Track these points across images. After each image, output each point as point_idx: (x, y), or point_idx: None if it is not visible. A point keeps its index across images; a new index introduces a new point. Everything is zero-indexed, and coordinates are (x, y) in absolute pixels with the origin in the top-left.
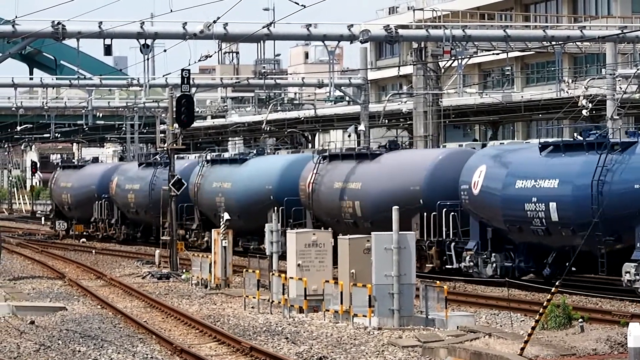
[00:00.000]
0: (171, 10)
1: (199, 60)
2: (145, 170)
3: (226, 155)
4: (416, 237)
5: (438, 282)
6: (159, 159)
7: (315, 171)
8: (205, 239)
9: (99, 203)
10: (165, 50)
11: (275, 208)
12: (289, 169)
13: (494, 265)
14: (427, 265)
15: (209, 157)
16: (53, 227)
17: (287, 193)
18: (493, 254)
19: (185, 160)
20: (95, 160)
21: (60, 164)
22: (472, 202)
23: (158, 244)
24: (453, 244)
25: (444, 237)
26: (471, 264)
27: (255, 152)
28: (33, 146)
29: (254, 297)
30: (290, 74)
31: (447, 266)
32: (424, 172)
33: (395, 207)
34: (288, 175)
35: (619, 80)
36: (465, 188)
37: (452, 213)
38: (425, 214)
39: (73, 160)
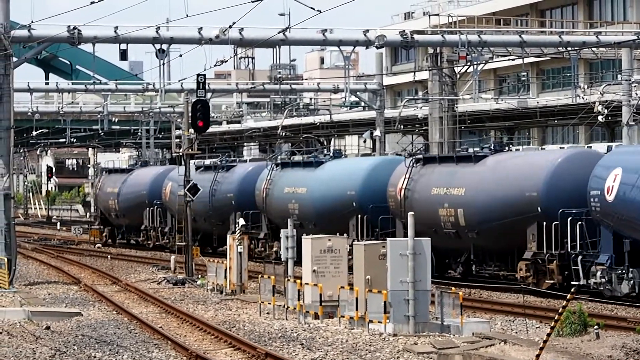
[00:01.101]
0: (187, 15)
1: (215, 65)
2: (205, 175)
3: (298, 158)
4: (532, 250)
5: (453, 288)
6: (219, 162)
7: (407, 175)
8: (275, 249)
9: (150, 210)
10: (180, 55)
11: (359, 216)
12: (375, 173)
13: (632, 282)
14: (546, 281)
15: (279, 160)
16: (100, 235)
17: (372, 199)
18: (631, 269)
19: (250, 164)
20: (144, 164)
21: (105, 168)
22: (605, 210)
23: (218, 254)
24: (580, 257)
25: (568, 249)
26: (603, 280)
27: (331, 154)
28: (49, 151)
29: (270, 303)
30: (306, 79)
31: (571, 282)
32: (541, 176)
33: (410, 213)
34: (373, 179)
35: (635, 86)
36: (596, 194)
37: (579, 222)
38: (544, 223)
39: (120, 165)
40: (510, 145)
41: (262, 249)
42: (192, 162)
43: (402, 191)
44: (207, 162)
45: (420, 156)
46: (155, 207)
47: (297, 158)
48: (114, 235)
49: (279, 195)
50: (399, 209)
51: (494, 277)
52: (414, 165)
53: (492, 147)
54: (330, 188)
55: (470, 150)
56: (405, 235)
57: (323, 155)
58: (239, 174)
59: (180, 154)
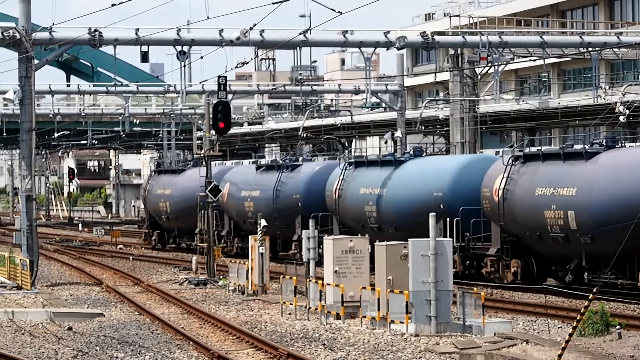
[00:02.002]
0: (208, 17)
1: (236, 67)
2: (267, 175)
3: (374, 156)
4: None
5: (475, 288)
6: (281, 161)
7: (506, 175)
8: None
9: (205, 212)
10: (201, 57)
11: (447, 220)
12: (465, 172)
13: None
14: None
15: (352, 159)
16: (147, 239)
17: (462, 201)
18: None
19: (317, 163)
20: (197, 163)
21: (155, 168)
22: None
23: (280, 259)
24: None
25: None
26: None
27: (412, 152)
28: (70, 153)
29: (291, 304)
30: (327, 80)
31: None
32: None
33: (432, 214)
34: (463, 179)
35: None
36: None
37: None
38: None
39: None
40: (623, 141)
41: None
42: (247, 161)
43: (500, 192)
44: (266, 161)
45: (520, 154)
46: (212, 209)
47: (374, 156)
48: (164, 239)
49: (354, 197)
50: (496, 211)
51: (611, 286)
52: (513, 163)
53: (602, 143)
54: (413, 189)
55: (580, 146)
56: (503, 241)
57: (402, 154)
58: (306, 174)
59: (202, 155)
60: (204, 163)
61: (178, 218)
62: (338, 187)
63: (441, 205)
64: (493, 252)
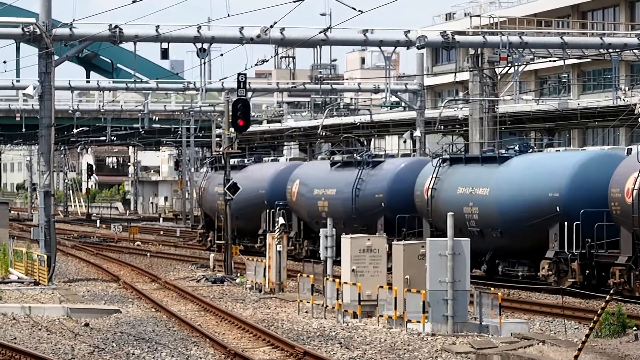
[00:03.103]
0: (228, 15)
1: (256, 65)
2: (344, 172)
3: (475, 152)
4: None
5: (492, 288)
6: (361, 157)
7: None
8: None
9: (269, 212)
10: (222, 55)
11: (565, 223)
12: (586, 170)
13: None
14: None
15: (446, 155)
16: (202, 241)
17: (584, 203)
18: None
19: (402, 159)
20: (258, 159)
21: (211, 164)
22: None
23: None
24: None
25: None
26: None
27: (517, 147)
28: (89, 149)
29: (308, 302)
30: (347, 79)
31: None
32: None
33: (450, 213)
34: (584, 178)
35: None
36: None
37: None
38: None
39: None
40: None
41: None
42: (318, 158)
43: (634, 192)
44: (342, 156)
45: None
46: (278, 208)
47: (474, 152)
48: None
49: (450, 197)
50: (630, 215)
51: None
52: None
53: None
54: (522, 189)
55: None
56: (637, 249)
57: (506, 149)
58: (390, 171)
59: (221, 152)
60: (269, 159)
61: (239, 218)
62: (430, 187)
63: (557, 208)
64: (623, 261)
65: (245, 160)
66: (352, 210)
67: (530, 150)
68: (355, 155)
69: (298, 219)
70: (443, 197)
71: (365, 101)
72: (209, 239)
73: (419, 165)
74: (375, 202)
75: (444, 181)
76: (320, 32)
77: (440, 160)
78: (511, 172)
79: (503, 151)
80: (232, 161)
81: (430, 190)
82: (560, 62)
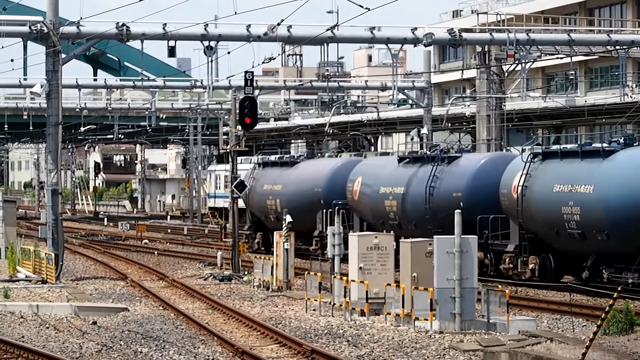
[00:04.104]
0: (235, 13)
1: (263, 63)
2: (414, 169)
3: (573, 145)
4: None
5: (500, 286)
6: (434, 152)
7: None
8: (531, 265)
9: (326, 212)
10: (229, 52)
11: None
12: None
13: None
14: None
15: (537, 150)
16: (249, 242)
17: None
18: None
19: (481, 154)
20: (311, 155)
21: (259, 161)
22: None
23: None
24: None
25: None
26: None
27: (622, 139)
28: (96, 147)
29: (316, 300)
30: (354, 76)
31: None
32: None
33: (457, 211)
34: None
35: None
36: None
37: None
38: None
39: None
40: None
41: (511, 265)
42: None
43: None
44: (410, 151)
45: None
46: (337, 208)
47: (571, 145)
48: (269, 243)
49: (545, 196)
50: None
51: None
52: None
53: None
54: (631, 187)
55: None
56: None
57: (608, 143)
58: (469, 168)
59: (228, 150)
60: (317, 156)
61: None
62: (521, 184)
63: None
64: None
65: (297, 156)
66: (426, 210)
67: (636, 143)
68: (425, 149)
69: (360, 219)
70: (536, 196)
71: (372, 99)
72: (257, 240)
73: (503, 161)
74: (453, 201)
75: (537, 178)
76: (327, 30)
77: (532, 155)
78: (619, 168)
79: (606, 144)
80: (282, 158)
81: (520, 188)
82: (568, 59)
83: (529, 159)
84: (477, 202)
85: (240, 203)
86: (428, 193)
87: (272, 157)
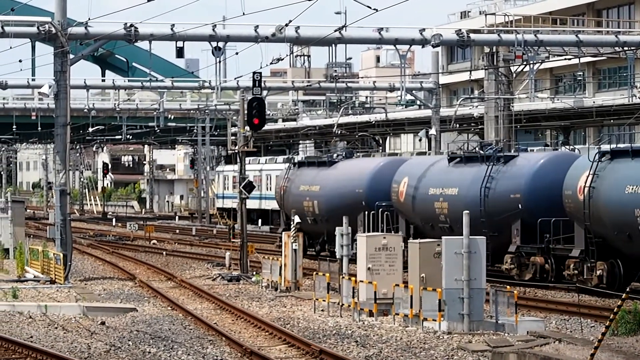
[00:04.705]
0: (243, 13)
1: (271, 63)
2: (466, 168)
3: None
4: None
5: (508, 287)
6: (488, 151)
7: None
8: (599, 272)
9: (369, 214)
10: (237, 53)
11: None
12: None
13: None
14: None
15: (607, 147)
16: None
17: None
18: None
19: (541, 153)
20: (350, 154)
21: (294, 160)
22: None
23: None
24: None
25: None
26: None
27: None
28: (104, 148)
29: (324, 300)
30: (362, 77)
31: None
32: None
33: (465, 212)
34: None
35: None
36: None
37: None
38: None
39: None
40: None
41: (576, 271)
42: (416, 155)
43: None
44: (462, 150)
45: None
46: (380, 210)
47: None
48: (305, 245)
49: (615, 198)
50: None
51: None
52: None
53: None
54: None
55: None
56: None
57: None
58: (528, 167)
59: (236, 151)
60: (340, 158)
61: (329, 220)
62: (587, 185)
63: None
64: None
65: (335, 155)
66: (480, 213)
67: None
68: (478, 148)
69: (406, 222)
70: (605, 197)
71: (380, 99)
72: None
73: (565, 160)
74: (510, 203)
75: (606, 178)
76: (335, 31)
77: (599, 154)
78: None
79: None
80: (319, 157)
81: (587, 189)
82: (576, 60)
83: (596, 157)
84: (538, 204)
85: (274, 205)
86: (483, 194)
87: (309, 157)
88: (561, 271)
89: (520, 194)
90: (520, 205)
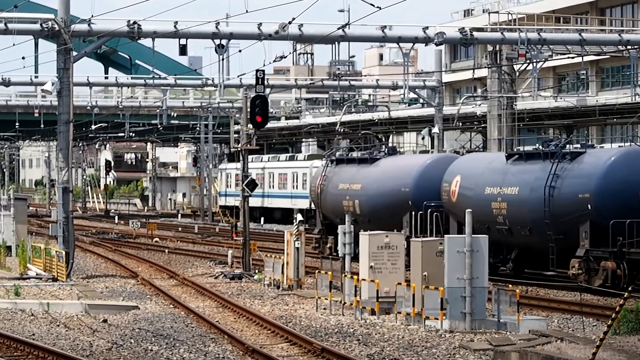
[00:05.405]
0: (246, 11)
1: (274, 61)
2: (527, 166)
3: None
4: None
5: (510, 285)
6: (555, 148)
7: None
8: None
9: (415, 214)
10: (240, 51)
11: None
12: None
13: None
14: None
15: None
16: (319, 247)
17: None
18: None
19: (611, 150)
20: (393, 151)
21: (332, 157)
22: None
23: (552, 281)
24: None
25: None
26: None
27: None
28: (107, 145)
29: (326, 299)
30: (365, 75)
31: None
32: None
33: (468, 210)
34: None
35: None
36: None
37: None
38: None
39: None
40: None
41: None
42: (474, 152)
43: None
44: (520, 147)
45: None
46: (429, 210)
47: None
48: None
49: None
50: None
51: None
52: None
53: None
54: None
55: None
56: None
57: None
58: (598, 165)
59: (239, 149)
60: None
61: (371, 221)
62: None
63: None
64: None
65: (377, 152)
66: (544, 214)
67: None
68: (538, 145)
69: (458, 223)
70: None
71: (383, 98)
72: (328, 245)
73: (639, 157)
74: (578, 203)
75: None
76: (339, 29)
77: None
78: None
79: None
80: (360, 154)
81: None
82: (579, 59)
83: None
84: (609, 205)
85: (307, 204)
86: (547, 194)
87: (349, 154)
88: (634, 277)
89: (590, 194)
90: (589, 206)
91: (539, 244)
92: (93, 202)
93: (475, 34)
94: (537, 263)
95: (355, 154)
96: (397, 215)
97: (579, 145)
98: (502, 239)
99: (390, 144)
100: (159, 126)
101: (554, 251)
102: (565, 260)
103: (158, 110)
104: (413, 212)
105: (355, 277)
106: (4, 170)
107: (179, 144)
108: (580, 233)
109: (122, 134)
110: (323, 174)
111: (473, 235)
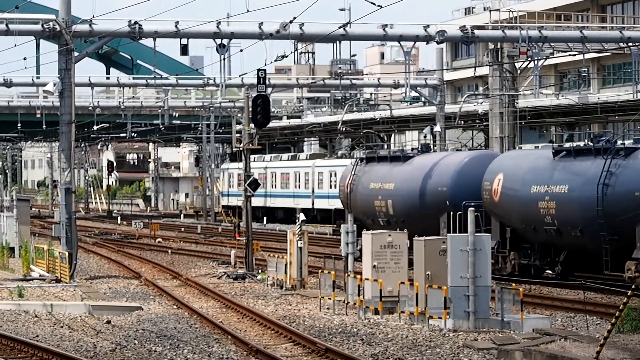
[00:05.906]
0: (247, 10)
1: (275, 60)
2: (577, 163)
3: None
4: None
5: (514, 284)
6: (605, 144)
7: None
8: None
9: (454, 215)
10: (241, 50)
11: None
12: None
13: None
14: None
15: None
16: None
17: None
18: None
19: None
20: (426, 149)
21: (361, 155)
22: None
23: (602, 283)
24: None
25: None
26: None
27: None
28: (109, 145)
29: (330, 298)
30: (366, 74)
31: None
32: None
33: (470, 209)
34: None
35: None
36: None
37: None
38: None
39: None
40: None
41: None
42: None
43: None
44: (570, 142)
45: None
46: (470, 211)
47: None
48: None
49: None
50: None
51: None
52: None
53: None
54: None
55: None
56: None
57: None
58: None
59: (241, 148)
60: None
61: (405, 221)
62: None
63: None
64: None
65: (410, 149)
66: (597, 213)
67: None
68: (588, 141)
69: (501, 224)
70: None
71: (385, 96)
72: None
73: None
74: (635, 202)
75: None
76: (340, 28)
77: None
78: None
79: None
80: (392, 151)
81: None
82: (580, 56)
83: None
84: None
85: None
86: (600, 192)
87: (380, 152)
88: None
89: None
90: None
91: (591, 245)
92: (95, 202)
93: (477, 32)
94: (589, 265)
95: (386, 152)
96: (433, 215)
97: (631, 141)
98: (550, 240)
99: (392, 143)
100: (161, 126)
101: (607, 253)
102: (620, 262)
103: (160, 110)
104: (451, 213)
105: (358, 276)
106: (7, 171)
107: (181, 144)
108: (637, 233)
109: (124, 134)
110: (353, 172)
111: (476, 234)
